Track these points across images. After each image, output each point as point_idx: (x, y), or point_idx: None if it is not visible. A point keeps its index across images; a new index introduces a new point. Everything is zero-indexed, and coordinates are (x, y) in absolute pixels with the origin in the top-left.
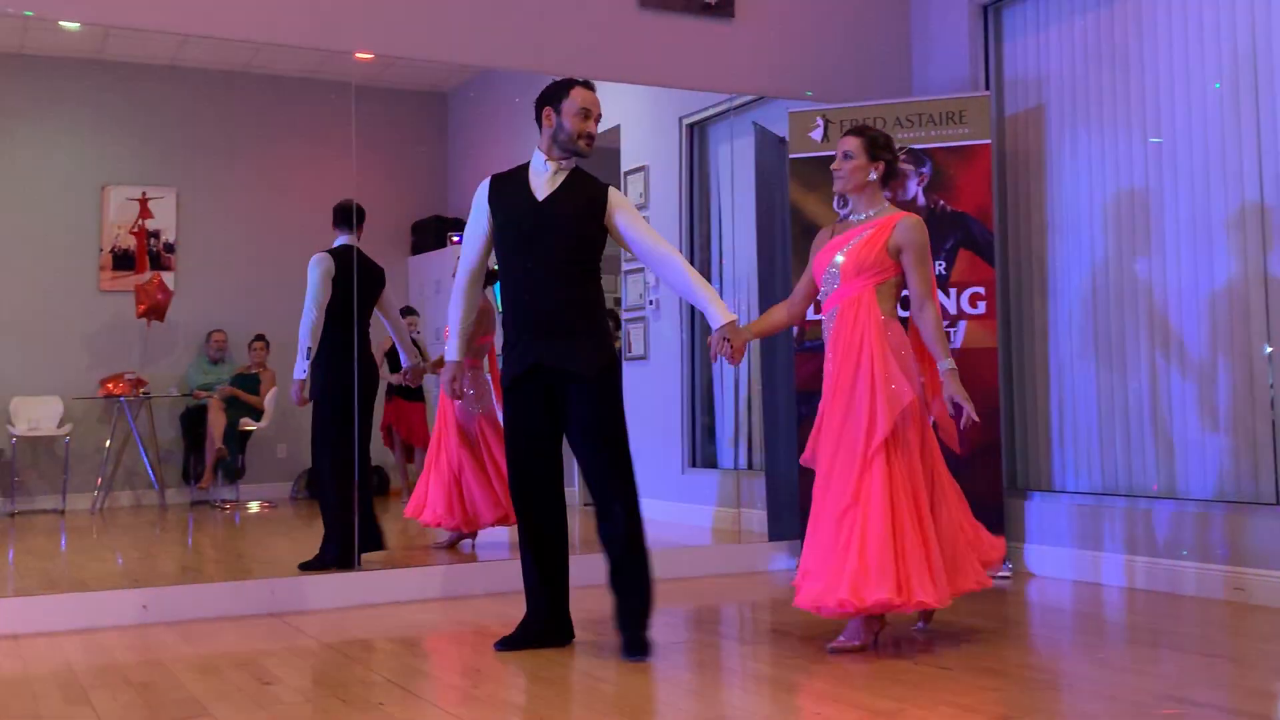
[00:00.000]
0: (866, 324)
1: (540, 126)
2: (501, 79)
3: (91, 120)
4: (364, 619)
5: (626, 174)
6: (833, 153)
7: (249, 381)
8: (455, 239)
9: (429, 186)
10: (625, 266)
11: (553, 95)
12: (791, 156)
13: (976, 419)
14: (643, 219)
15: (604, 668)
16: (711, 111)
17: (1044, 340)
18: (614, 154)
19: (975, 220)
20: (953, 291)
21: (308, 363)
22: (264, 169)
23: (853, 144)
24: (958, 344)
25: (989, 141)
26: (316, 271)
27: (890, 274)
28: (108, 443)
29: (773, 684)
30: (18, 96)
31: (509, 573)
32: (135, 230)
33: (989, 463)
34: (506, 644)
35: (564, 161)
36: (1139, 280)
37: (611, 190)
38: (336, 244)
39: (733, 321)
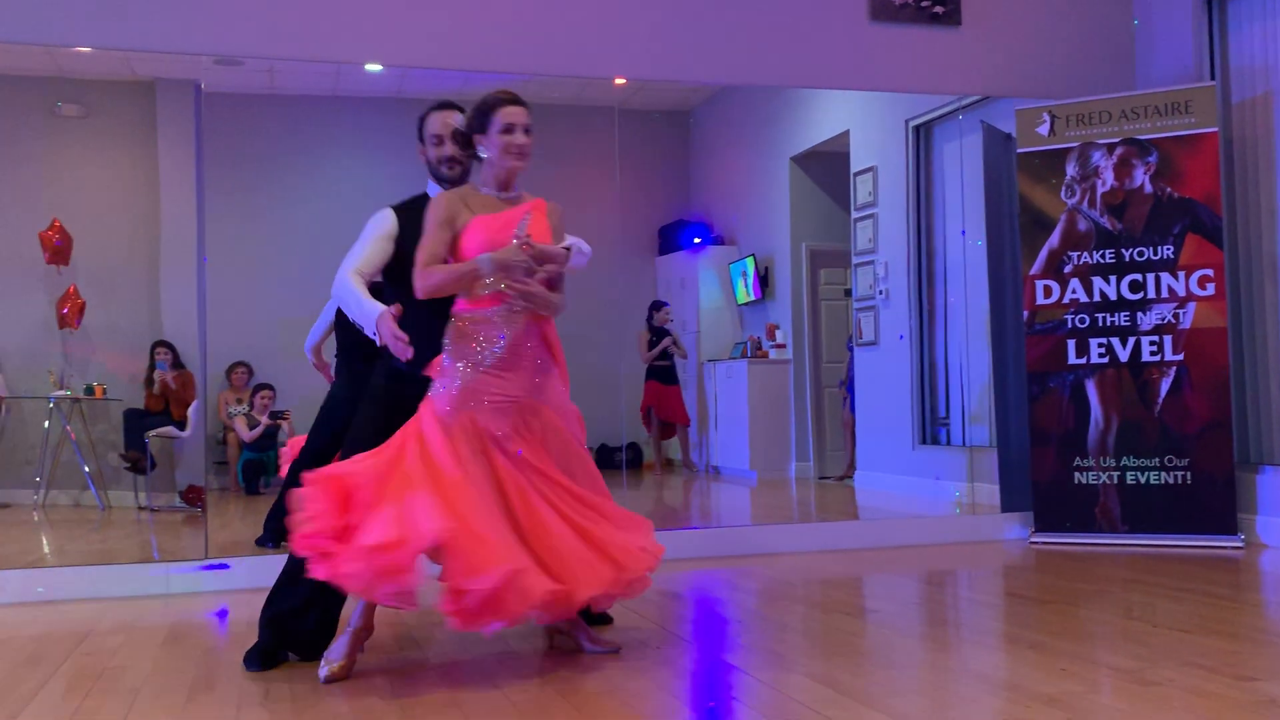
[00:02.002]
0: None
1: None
2: (737, 96)
3: (388, 148)
4: None
5: (855, 175)
6: (1060, 146)
7: None
8: (697, 240)
9: (675, 195)
10: (855, 260)
11: (418, 129)
12: (1019, 151)
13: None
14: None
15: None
16: (937, 113)
17: (1274, 319)
18: (843, 157)
19: (1203, 205)
20: (1181, 274)
21: None
22: (538, 185)
23: (527, 117)
24: (1187, 324)
25: (1215, 129)
26: None
27: None
28: None
29: (1014, 641)
30: (329, 131)
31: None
32: None
33: (1220, 438)
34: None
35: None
36: None
37: None
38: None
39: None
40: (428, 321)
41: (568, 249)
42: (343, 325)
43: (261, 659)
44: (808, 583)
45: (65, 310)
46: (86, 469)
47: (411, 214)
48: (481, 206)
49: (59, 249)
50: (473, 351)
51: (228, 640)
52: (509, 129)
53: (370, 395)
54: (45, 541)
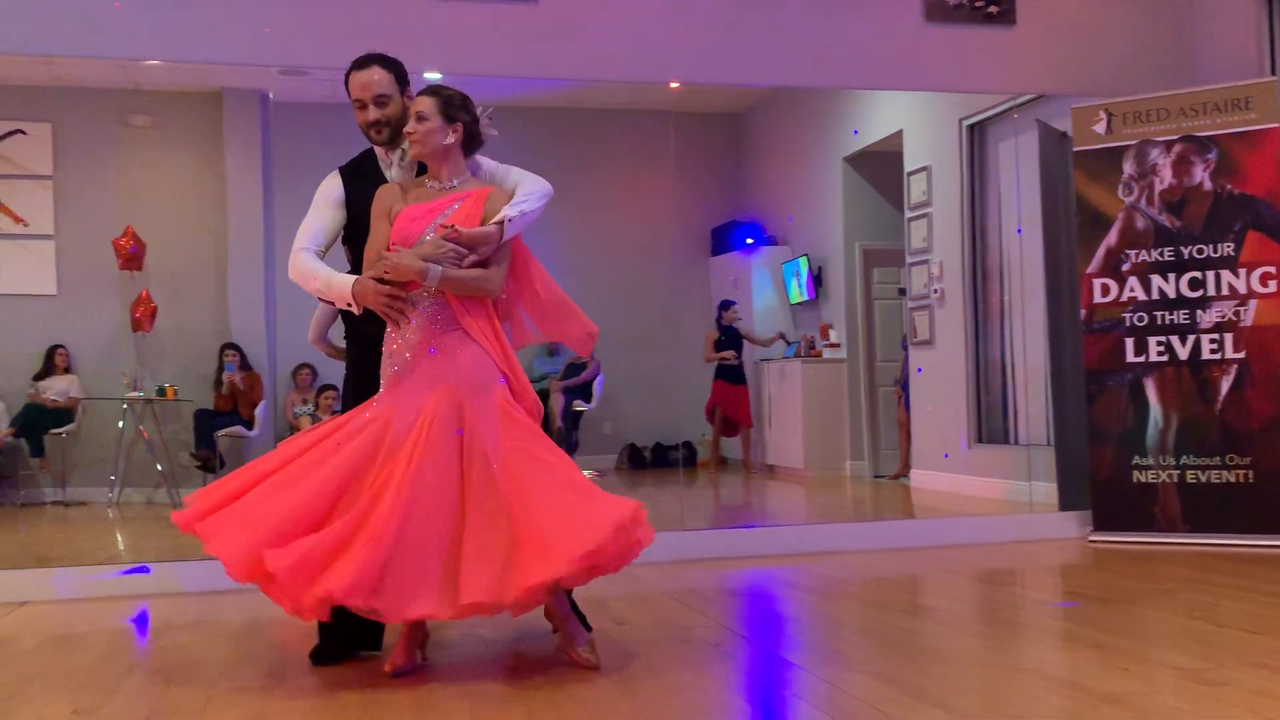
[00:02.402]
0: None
1: None
2: (790, 98)
3: None
4: (693, 572)
5: (909, 174)
6: (1117, 144)
7: (578, 370)
8: (750, 240)
9: (728, 196)
10: (910, 259)
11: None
12: (1076, 150)
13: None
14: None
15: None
16: (991, 112)
17: None
18: (896, 156)
19: (1264, 202)
20: (1242, 271)
21: None
22: (591, 189)
23: (426, 105)
24: (1248, 322)
25: (1277, 125)
26: None
27: None
28: None
29: (1074, 640)
30: None
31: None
32: None
33: None
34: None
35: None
36: None
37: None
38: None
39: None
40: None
41: (500, 223)
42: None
43: (324, 656)
44: (864, 581)
45: (138, 314)
46: (159, 467)
47: (358, 173)
48: (416, 196)
49: (133, 255)
50: (387, 348)
51: (298, 632)
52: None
53: (350, 365)
54: (120, 538)
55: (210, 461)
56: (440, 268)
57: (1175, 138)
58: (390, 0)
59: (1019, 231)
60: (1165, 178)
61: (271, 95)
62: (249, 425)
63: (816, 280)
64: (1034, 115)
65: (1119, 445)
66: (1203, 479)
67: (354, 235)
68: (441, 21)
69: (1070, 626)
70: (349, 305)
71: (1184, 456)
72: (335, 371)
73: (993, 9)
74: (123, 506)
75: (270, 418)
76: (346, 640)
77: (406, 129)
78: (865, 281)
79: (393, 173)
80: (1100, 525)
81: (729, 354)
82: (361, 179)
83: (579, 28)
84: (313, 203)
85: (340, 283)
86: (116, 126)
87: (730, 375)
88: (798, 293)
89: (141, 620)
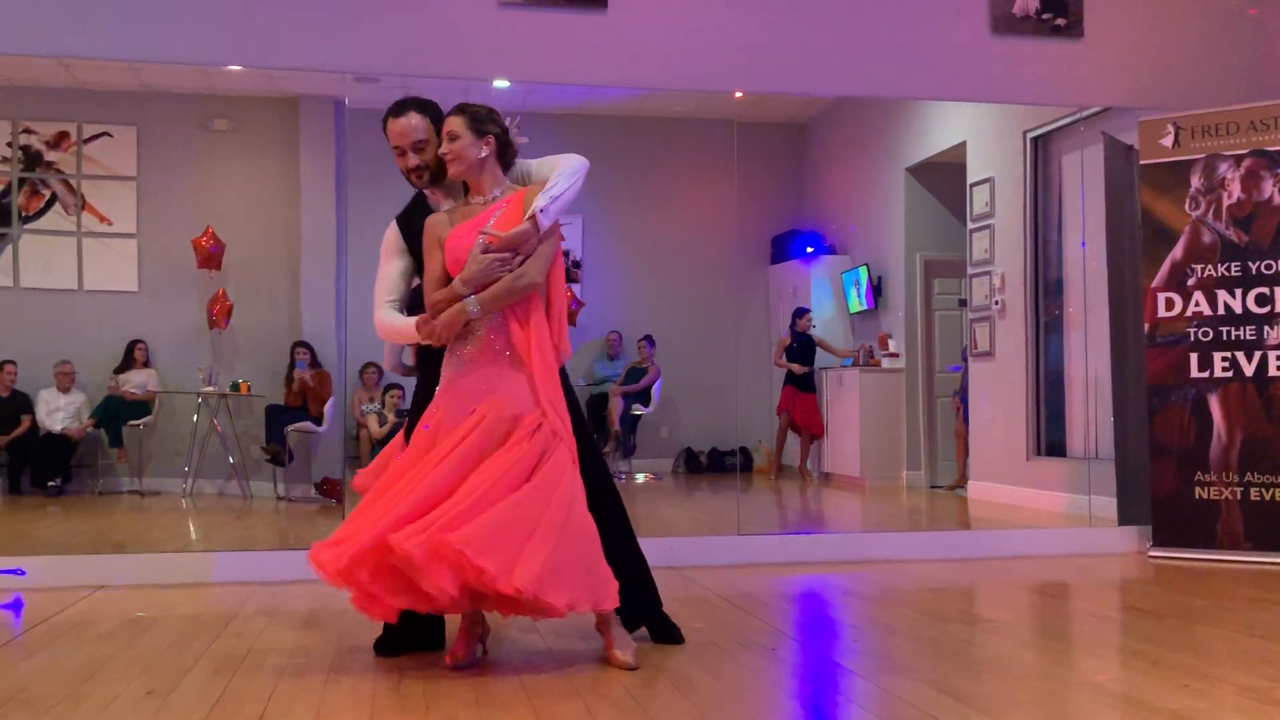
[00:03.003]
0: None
1: None
2: (853, 108)
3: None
4: (748, 577)
5: (972, 186)
6: (1185, 158)
7: (638, 374)
8: (809, 249)
9: (789, 205)
10: (971, 270)
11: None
12: (1142, 163)
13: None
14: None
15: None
16: (1056, 124)
17: None
18: (960, 168)
19: None
20: None
21: None
22: (653, 196)
23: (454, 124)
24: None
25: None
26: None
27: None
28: None
29: (1132, 654)
30: None
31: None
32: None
33: None
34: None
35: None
36: None
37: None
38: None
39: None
40: None
41: (533, 217)
42: None
43: (386, 646)
44: (920, 590)
45: (215, 311)
46: (231, 460)
47: (412, 217)
48: (463, 215)
49: (211, 254)
50: (450, 352)
51: (361, 624)
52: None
53: (422, 380)
54: (193, 528)
55: (280, 455)
56: (474, 299)
57: (1244, 152)
58: (461, 8)
59: (1083, 245)
60: (1233, 192)
61: (346, 101)
62: (318, 421)
63: (876, 290)
64: (1100, 128)
65: (1181, 461)
66: (1266, 497)
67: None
68: (512, 29)
69: (1129, 641)
70: (428, 339)
71: (1248, 474)
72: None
73: (1060, 21)
74: (195, 497)
75: (339, 414)
76: (411, 636)
77: (441, 150)
78: (925, 292)
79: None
80: (1160, 541)
81: (794, 365)
82: (416, 222)
83: (646, 37)
84: (381, 257)
85: (409, 328)
86: (197, 130)
87: (798, 382)
88: (857, 302)
89: (213, 607)
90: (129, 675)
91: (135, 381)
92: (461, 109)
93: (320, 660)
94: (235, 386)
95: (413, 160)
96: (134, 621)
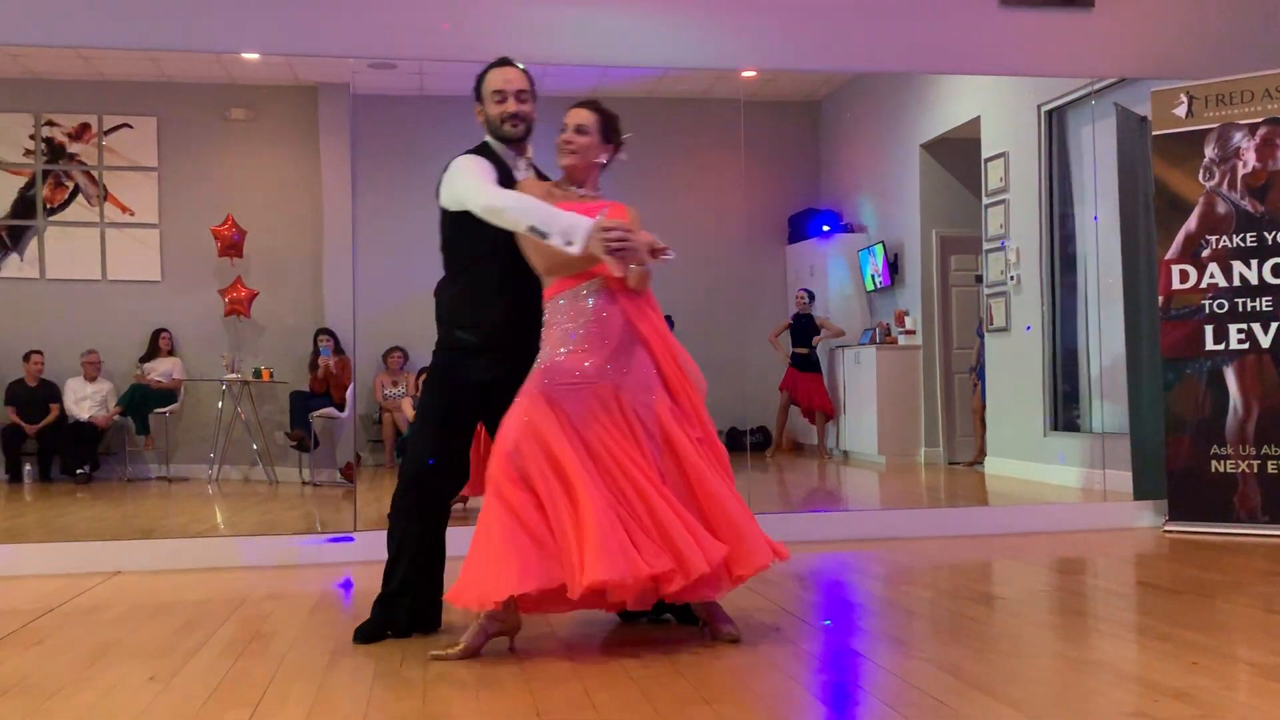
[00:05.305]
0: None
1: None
2: (866, 84)
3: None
4: None
5: (986, 161)
6: (1198, 128)
7: None
8: (826, 228)
9: (804, 184)
10: (986, 246)
11: (476, 88)
12: (1155, 134)
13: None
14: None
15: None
16: (1070, 97)
17: None
18: (974, 143)
19: None
20: None
21: None
22: (668, 178)
23: (589, 119)
24: None
25: None
26: None
27: None
28: None
29: (1144, 632)
30: (470, 129)
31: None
32: None
33: None
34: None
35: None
36: None
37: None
38: None
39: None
40: (513, 292)
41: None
42: None
43: (366, 635)
44: (935, 568)
45: (237, 299)
46: (255, 446)
47: (491, 161)
48: (563, 197)
49: (233, 243)
50: (558, 334)
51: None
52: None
53: (434, 369)
54: (218, 512)
55: (304, 441)
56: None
57: (1259, 120)
58: None
59: (1095, 219)
60: (1249, 161)
61: (353, 88)
62: (340, 407)
63: (892, 267)
64: (1113, 100)
65: (1196, 434)
66: None
67: (470, 227)
68: (517, 12)
69: (1141, 618)
70: (569, 244)
71: (1265, 446)
72: (426, 354)
73: None
74: (222, 483)
75: (354, 399)
76: (410, 621)
77: (564, 137)
78: (942, 268)
79: (519, 174)
80: (1176, 515)
81: (779, 346)
82: (495, 167)
83: (652, 16)
84: (469, 170)
85: (571, 220)
86: (217, 120)
87: (797, 363)
88: (873, 279)
89: (223, 590)
90: (133, 660)
91: (160, 370)
92: (597, 107)
93: (324, 644)
94: (258, 373)
95: (513, 105)
96: (144, 606)
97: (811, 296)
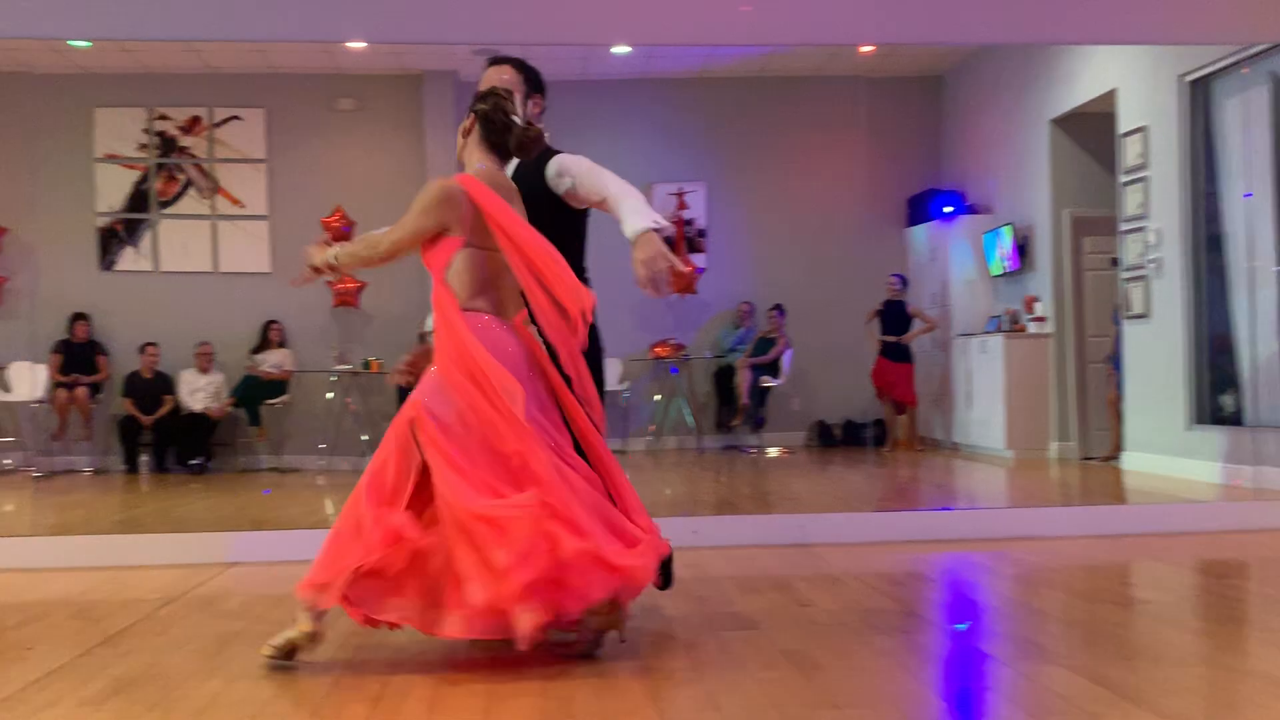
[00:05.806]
0: None
1: None
2: (993, 57)
3: (636, 129)
4: (883, 555)
5: (1123, 136)
6: None
7: (768, 345)
8: (948, 209)
9: (925, 163)
10: (1123, 227)
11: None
12: None
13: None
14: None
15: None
16: (1216, 66)
17: None
18: (1109, 118)
19: None
20: None
21: None
22: (780, 159)
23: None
24: None
25: None
26: None
27: None
28: (657, 396)
29: None
30: (580, 114)
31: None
32: (674, 220)
33: None
34: None
35: None
36: None
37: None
38: None
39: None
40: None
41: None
42: None
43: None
44: (1070, 569)
45: (346, 290)
46: (364, 437)
47: None
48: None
49: (343, 234)
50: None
51: None
52: None
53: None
54: (328, 504)
55: None
56: None
57: None
58: None
59: (1247, 196)
60: None
61: (461, 75)
62: None
63: (1021, 250)
64: (1267, 68)
65: None
66: None
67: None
68: None
69: None
70: (649, 225)
71: None
72: None
73: None
74: (331, 474)
75: None
76: None
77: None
78: (1074, 251)
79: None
80: None
81: (872, 331)
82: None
83: None
84: (596, 168)
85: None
86: (324, 111)
87: (887, 351)
88: (1000, 264)
89: None
90: (254, 651)
91: (271, 361)
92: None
93: (437, 641)
94: (366, 365)
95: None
96: (263, 597)
97: (905, 282)
